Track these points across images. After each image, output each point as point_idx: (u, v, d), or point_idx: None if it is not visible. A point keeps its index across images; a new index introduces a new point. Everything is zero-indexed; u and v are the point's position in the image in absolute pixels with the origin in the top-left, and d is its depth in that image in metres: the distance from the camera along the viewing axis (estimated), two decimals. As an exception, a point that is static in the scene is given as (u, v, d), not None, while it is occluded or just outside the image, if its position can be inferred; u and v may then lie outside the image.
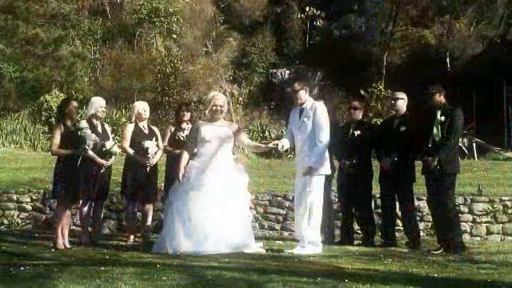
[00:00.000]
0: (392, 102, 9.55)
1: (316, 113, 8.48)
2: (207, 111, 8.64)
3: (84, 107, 10.67)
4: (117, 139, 13.04)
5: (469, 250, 8.87)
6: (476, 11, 36.50)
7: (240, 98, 28.15)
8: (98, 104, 9.32)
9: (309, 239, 8.48)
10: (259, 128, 25.72)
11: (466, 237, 10.22)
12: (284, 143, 8.68)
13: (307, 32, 36.69)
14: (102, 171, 9.06)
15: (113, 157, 9.24)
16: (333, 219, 9.99)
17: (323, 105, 8.66)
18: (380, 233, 9.83)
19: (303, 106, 8.61)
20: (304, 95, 8.63)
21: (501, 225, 10.79)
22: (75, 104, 8.96)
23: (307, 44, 36.87)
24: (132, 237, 9.52)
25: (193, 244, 7.99)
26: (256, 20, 36.42)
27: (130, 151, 9.41)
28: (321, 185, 8.53)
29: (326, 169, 8.55)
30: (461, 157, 19.36)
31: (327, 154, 8.56)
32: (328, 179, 9.60)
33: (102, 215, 9.54)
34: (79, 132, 8.58)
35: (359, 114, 9.77)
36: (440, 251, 8.66)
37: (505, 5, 34.99)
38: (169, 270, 6.67)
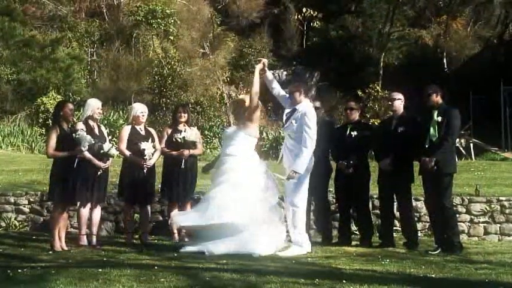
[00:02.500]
0: (390, 102, 9.55)
1: (303, 118, 8.53)
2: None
3: (81, 109, 10.66)
4: (114, 141, 13.03)
5: (466, 250, 8.87)
6: (473, 11, 36.61)
7: (238, 100, 28.16)
8: (95, 105, 9.29)
9: (293, 239, 8.51)
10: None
11: (463, 238, 10.22)
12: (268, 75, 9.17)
13: (305, 33, 36.76)
14: (99, 173, 9.04)
15: (110, 159, 9.23)
16: (330, 220, 9.99)
17: (312, 110, 8.66)
18: (378, 234, 9.83)
19: (296, 107, 8.67)
20: (298, 97, 8.69)
21: (498, 225, 10.79)
22: (70, 106, 8.96)
23: (304, 45, 36.92)
24: (130, 238, 9.51)
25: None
26: (254, 21, 36.49)
27: (127, 153, 9.40)
28: (303, 185, 8.57)
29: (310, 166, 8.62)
30: (459, 157, 19.42)
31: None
32: (325, 179, 9.67)
33: (100, 217, 9.51)
34: (74, 134, 8.58)
35: (356, 115, 9.77)
36: (438, 251, 8.66)
37: (502, 5, 35.07)
38: (167, 271, 6.67)
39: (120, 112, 26.28)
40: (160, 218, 10.67)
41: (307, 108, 8.63)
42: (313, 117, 8.58)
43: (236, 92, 29.43)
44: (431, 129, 8.73)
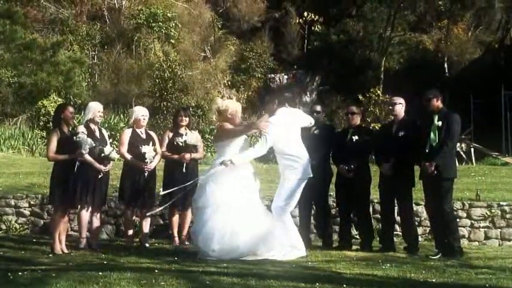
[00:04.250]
0: (390, 107, 9.55)
1: None
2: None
3: (82, 112, 10.69)
4: (115, 144, 13.03)
5: (467, 255, 8.87)
6: (474, 16, 36.62)
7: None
8: (96, 108, 9.30)
9: (288, 243, 8.42)
10: (257, 133, 25.71)
11: (464, 242, 10.22)
12: None
13: (305, 37, 36.73)
14: (100, 176, 9.04)
15: (111, 162, 9.23)
16: (331, 224, 9.99)
17: (278, 118, 8.59)
18: (378, 238, 9.82)
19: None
20: (272, 108, 8.77)
21: (499, 230, 10.80)
22: (71, 109, 8.96)
23: (305, 49, 36.90)
24: (130, 242, 9.52)
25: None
26: (255, 25, 36.51)
27: (128, 156, 9.40)
28: (290, 187, 8.53)
29: (297, 173, 8.53)
30: (459, 162, 19.43)
31: (295, 159, 8.55)
32: (326, 184, 9.67)
33: (100, 220, 9.51)
34: (74, 137, 8.58)
35: (357, 120, 9.76)
36: (439, 256, 8.66)
37: (503, 10, 35.09)
38: (167, 275, 6.67)
39: (121, 115, 26.27)
40: (161, 222, 10.68)
41: (275, 116, 8.62)
42: (273, 122, 8.51)
43: (237, 96, 29.41)
44: (432, 134, 8.74)
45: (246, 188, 8.40)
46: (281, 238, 8.34)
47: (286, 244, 8.37)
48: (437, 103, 8.87)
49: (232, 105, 8.82)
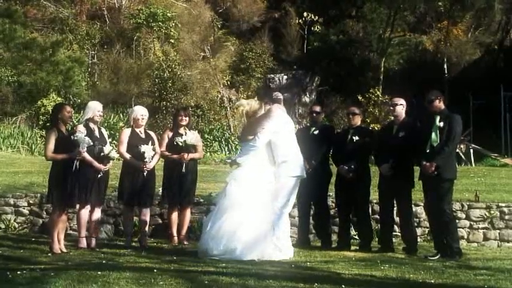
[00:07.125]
0: (391, 108, 9.54)
1: None
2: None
3: (82, 112, 10.68)
4: (114, 143, 13.04)
5: (465, 256, 8.86)
6: (474, 17, 36.61)
7: (238, 103, 28.10)
8: (95, 108, 9.29)
9: (274, 244, 8.36)
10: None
11: (463, 243, 10.22)
12: None
13: (305, 37, 36.72)
14: (99, 175, 9.04)
15: (111, 162, 9.22)
16: (330, 225, 9.99)
17: (272, 113, 8.71)
18: (377, 239, 9.82)
19: None
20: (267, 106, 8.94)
21: (498, 231, 10.79)
22: (68, 108, 8.94)
23: (304, 49, 36.88)
24: (129, 241, 9.51)
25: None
26: (254, 25, 36.53)
27: (127, 156, 9.39)
28: (286, 186, 8.54)
29: (288, 168, 8.56)
30: (459, 163, 19.43)
31: (292, 156, 8.61)
32: (325, 184, 9.67)
33: (99, 219, 9.51)
34: (72, 136, 8.58)
35: (357, 120, 9.77)
36: (437, 256, 8.65)
37: (503, 11, 35.09)
38: (166, 275, 6.67)
39: (121, 115, 26.32)
40: (160, 221, 10.67)
41: (269, 112, 8.75)
42: (271, 121, 8.59)
43: (236, 96, 29.40)
44: (433, 134, 8.72)
45: (266, 193, 8.39)
46: (271, 238, 8.32)
47: (273, 245, 8.33)
48: (440, 104, 8.87)
49: (258, 105, 8.92)
